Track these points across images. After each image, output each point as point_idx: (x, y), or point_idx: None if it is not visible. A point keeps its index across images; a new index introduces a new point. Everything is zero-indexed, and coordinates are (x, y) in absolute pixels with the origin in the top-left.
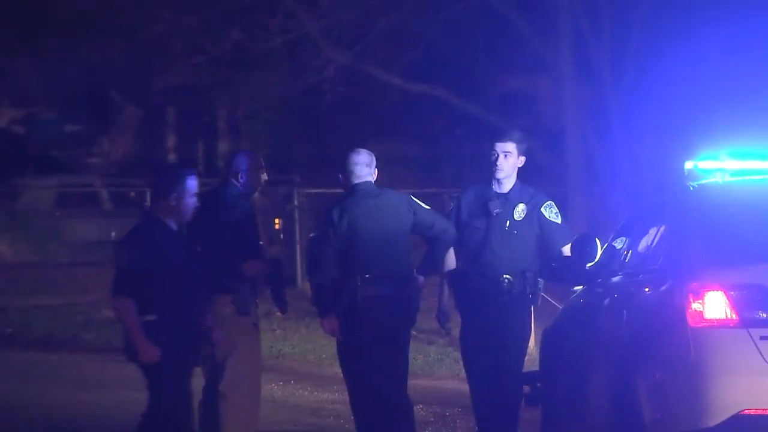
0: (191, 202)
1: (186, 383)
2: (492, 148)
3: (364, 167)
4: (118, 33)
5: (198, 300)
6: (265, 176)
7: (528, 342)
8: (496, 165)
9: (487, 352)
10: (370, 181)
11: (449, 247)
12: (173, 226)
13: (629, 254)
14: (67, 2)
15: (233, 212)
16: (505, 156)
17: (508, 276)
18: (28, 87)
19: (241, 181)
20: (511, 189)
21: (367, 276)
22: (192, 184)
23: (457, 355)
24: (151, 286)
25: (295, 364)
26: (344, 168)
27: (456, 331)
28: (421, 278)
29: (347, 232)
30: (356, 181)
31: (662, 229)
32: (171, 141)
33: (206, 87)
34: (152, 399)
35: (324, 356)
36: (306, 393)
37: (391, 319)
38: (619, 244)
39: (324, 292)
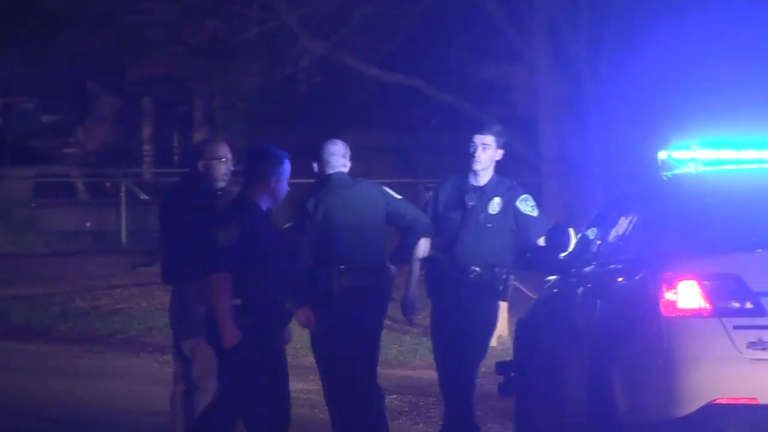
0: (285, 186)
1: (274, 365)
2: (471, 140)
3: (340, 157)
4: (95, 23)
5: (284, 280)
6: (230, 166)
7: (492, 335)
8: (474, 157)
9: (452, 341)
10: (344, 172)
11: (421, 237)
12: (264, 208)
13: (603, 244)
14: None
15: (201, 202)
16: (484, 148)
17: (476, 268)
18: (5, 77)
19: (209, 171)
20: (487, 182)
21: (342, 267)
22: (288, 168)
23: (431, 344)
24: (242, 267)
25: None
26: (319, 158)
27: (428, 320)
28: (393, 268)
29: (322, 223)
30: (331, 171)
31: (636, 218)
32: (147, 131)
33: (183, 77)
34: (225, 384)
35: (298, 346)
36: None
37: (366, 310)
38: (592, 233)
39: (299, 283)
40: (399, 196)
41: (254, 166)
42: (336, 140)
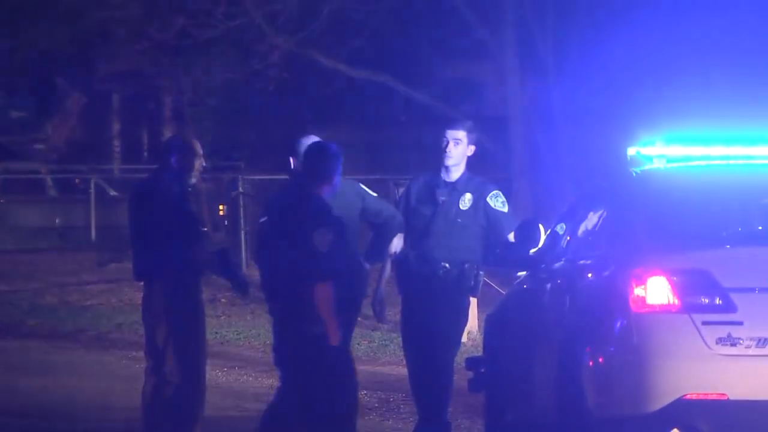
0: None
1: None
2: (443, 135)
3: None
4: (63, 18)
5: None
6: (202, 162)
7: (463, 330)
8: (446, 152)
9: (422, 336)
10: None
11: (396, 234)
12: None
13: (572, 240)
14: None
15: (170, 198)
16: (455, 143)
17: (446, 264)
18: None
19: (178, 166)
20: (459, 178)
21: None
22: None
23: (401, 340)
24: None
25: (240, 350)
26: (296, 153)
27: (398, 316)
28: (367, 265)
29: None
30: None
31: (605, 214)
32: (116, 127)
33: (151, 73)
34: (331, 379)
35: (269, 342)
36: (251, 379)
37: (339, 306)
38: (561, 229)
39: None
40: (374, 194)
41: (318, 163)
42: (311, 136)
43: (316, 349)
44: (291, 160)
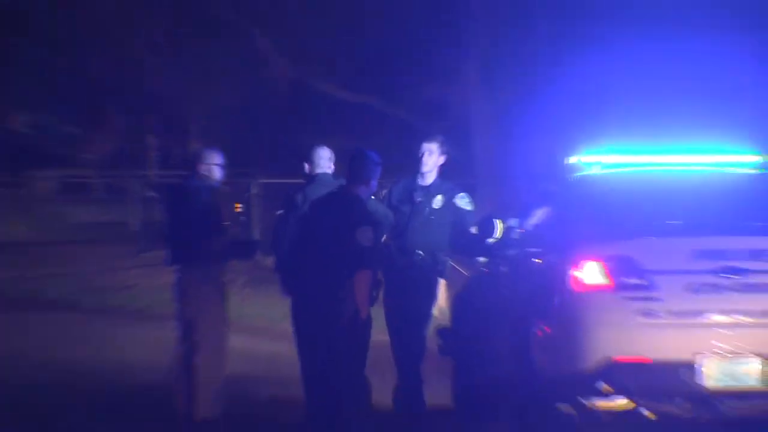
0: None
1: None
2: (419, 147)
3: (326, 161)
4: (108, 53)
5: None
6: (223, 168)
7: (433, 306)
8: (422, 160)
9: (401, 311)
10: (329, 173)
11: (387, 229)
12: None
13: (524, 232)
14: (68, 29)
15: (198, 198)
16: (429, 153)
17: (420, 252)
18: (36, 96)
19: (204, 173)
20: (432, 182)
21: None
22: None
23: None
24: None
25: (255, 322)
26: (310, 159)
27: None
28: None
29: (306, 215)
30: (318, 171)
31: (551, 211)
32: (151, 140)
33: (180, 97)
34: (355, 351)
35: (277, 316)
36: (263, 345)
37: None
38: (515, 223)
39: (286, 263)
40: (372, 196)
41: (359, 168)
42: (324, 146)
43: (347, 320)
44: (305, 165)
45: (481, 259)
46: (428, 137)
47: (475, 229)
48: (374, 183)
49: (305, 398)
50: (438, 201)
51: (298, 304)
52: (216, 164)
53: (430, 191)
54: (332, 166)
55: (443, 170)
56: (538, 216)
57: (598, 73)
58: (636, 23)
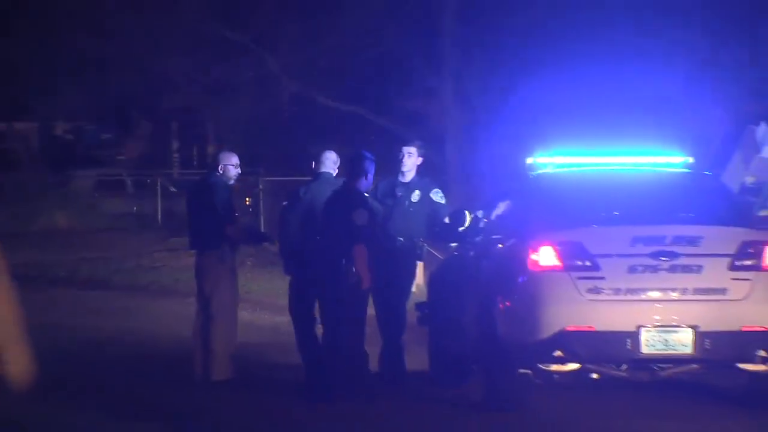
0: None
1: None
2: (400, 150)
3: (331, 162)
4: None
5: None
6: (239, 170)
7: (413, 283)
8: (402, 161)
9: (385, 287)
10: (332, 173)
11: (378, 220)
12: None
13: (488, 222)
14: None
15: (216, 193)
16: (408, 155)
17: (401, 238)
18: (76, 108)
19: (222, 172)
20: (411, 179)
21: (318, 238)
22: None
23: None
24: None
25: (261, 297)
26: (318, 160)
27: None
28: None
29: (308, 206)
30: (322, 170)
31: (511, 204)
32: (174, 145)
33: (199, 107)
34: (355, 316)
35: (281, 292)
36: (267, 317)
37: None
38: (481, 214)
39: (289, 247)
40: (366, 193)
41: (358, 166)
42: (331, 150)
43: (350, 288)
44: (313, 164)
45: (453, 244)
46: (408, 142)
47: (448, 219)
48: (371, 177)
49: (304, 362)
50: (416, 195)
51: (304, 280)
52: (231, 165)
53: (409, 187)
54: (336, 169)
55: (421, 169)
56: (501, 208)
57: (553, 88)
58: (583, 47)
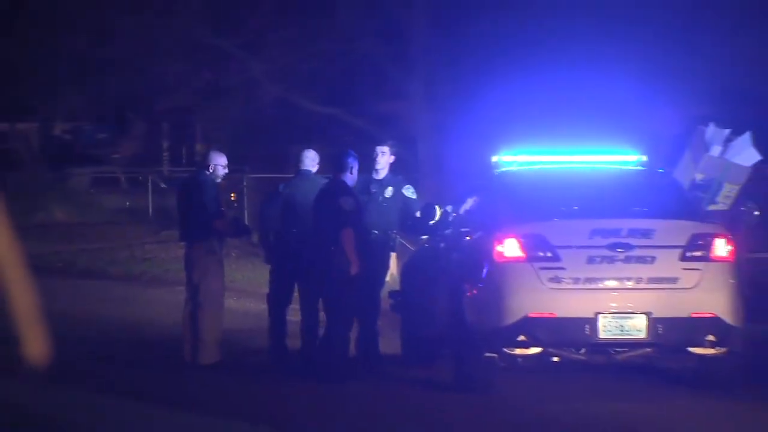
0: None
1: None
2: (374, 149)
3: (310, 160)
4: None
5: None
6: (227, 169)
7: (387, 273)
8: (376, 160)
9: (360, 276)
10: (311, 170)
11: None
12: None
13: (457, 216)
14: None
15: (206, 191)
16: (382, 154)
17: (376, 231)
18: (74, 108)
19: (212, 171)
20: (384, 176)
21: (294, 231)
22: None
23: None
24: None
25: (245, 286)
26: (298, 158)
27: None
28: None
29: (287, 200)
30: (302, 168)
31: (478, 199)
32: (165, 143)
33: (188, 109)
34: (347, 304)
35: (263, 281)
36: (252, 305)
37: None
38: (450, 209)
39: (269, 238)
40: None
41: (344, 161)
42: (311, 149)
43: (340, 276)
44: (298, 164)
45: (424, 237)
46: (381, 141)
47: (419, 213)
48: (356, 172)
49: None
50: (389, 191)
51: (284, 269)
52: (221, 165)
53: (382, 183)
54: (316, 166)
55: (393, 167)
56: (468, 203)
57: (516, 91)
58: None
